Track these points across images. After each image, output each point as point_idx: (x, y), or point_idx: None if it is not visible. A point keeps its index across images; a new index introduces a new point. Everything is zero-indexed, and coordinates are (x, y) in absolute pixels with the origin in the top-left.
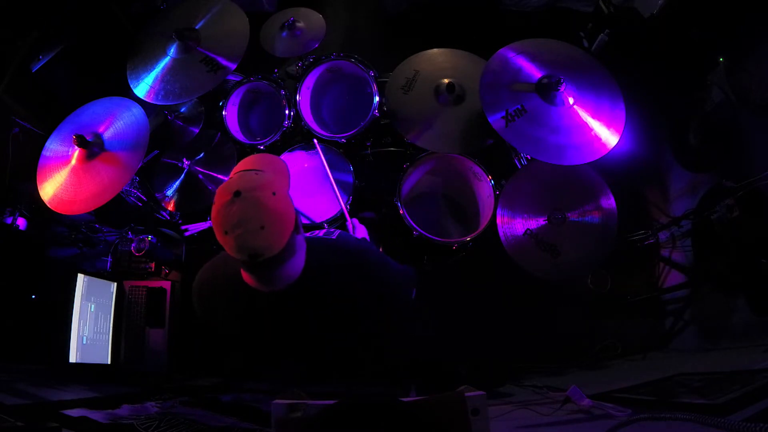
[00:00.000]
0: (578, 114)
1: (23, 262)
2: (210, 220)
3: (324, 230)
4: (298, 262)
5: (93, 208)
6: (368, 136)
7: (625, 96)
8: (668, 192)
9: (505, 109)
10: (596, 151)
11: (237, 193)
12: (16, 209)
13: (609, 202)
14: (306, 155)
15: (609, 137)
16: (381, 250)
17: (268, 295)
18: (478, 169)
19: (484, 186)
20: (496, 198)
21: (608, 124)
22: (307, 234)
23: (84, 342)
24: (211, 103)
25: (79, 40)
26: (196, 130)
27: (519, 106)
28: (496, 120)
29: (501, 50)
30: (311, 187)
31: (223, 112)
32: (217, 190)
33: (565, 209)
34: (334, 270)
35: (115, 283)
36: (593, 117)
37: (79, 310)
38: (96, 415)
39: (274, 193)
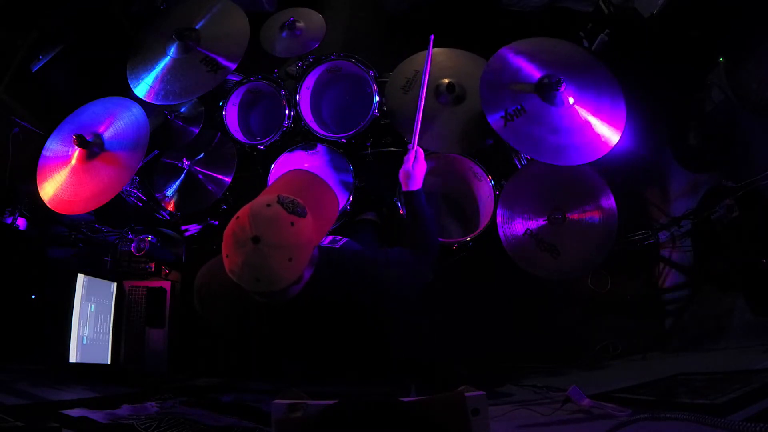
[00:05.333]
0: (578, 113)
1: (23, 262)
2: (210, 219)
3: (330, 237)
4: (304, 280)
5: (93, 208)
6: (368, 136)
7: (625, 96)
8: (668, 192)
9: (504, 109)
10: (598, 150)
11: (255, 239)
12: (16, 209)
13: (609, 202)
14: (306, 155)
15: (610, 135)
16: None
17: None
18: (478, 169)
19: (484, 186)
20: (496, 198)
21: (609, 122)
22: None
23: (84, 342)
24: (211, 103)
25: (78, 40)
26: (196, 130)
27: (518, 106)
28: (495, 120)
29: (501, 50)
30: None
31: (223, 112)
32: (248, 208)
33: (565, 209)
34: (338, 279)
35: (115, 283)
36: (594, 116)
37: (79, 310)
38: (96, 415)
39: (290, 259)
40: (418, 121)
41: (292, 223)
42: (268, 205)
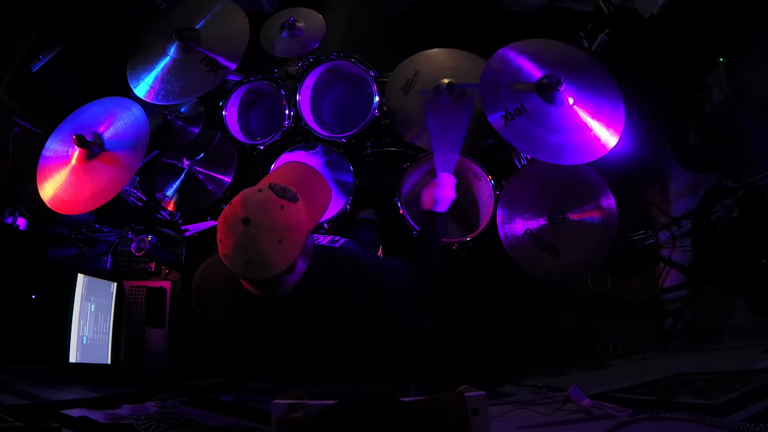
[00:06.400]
0: (578, 114)
1: (23, 262)
2: (210, 219)
3: (329, 237)
4: (299, 271)
5: (93, 208)
6: (368, 136)
7: (625, 96)
8: (668, 192)
9: (504, 108)
10: (595, 151)
11: (245, 221)
12: (16, 209)
13: (609, 202)
14: (306, 155)
15: (608, 138)
16: (381, 250)
17: (267, 298)
18: (478, 169)
19: (484, 186)
20: (496, 198)
21: (608, 125)
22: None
23: (84, 342)
24: (211, 103)
25: (78, 40)
26: (196, 130)
27: (518, 106)
28: (495, 119)
29: (501, 50)
30: None
31: (223, 112)
32: (240, 194)
33: (565, 209)
34: (337, 278)
35: (115, 283)
36: (593, 117)
37: (79, 310)
38: (96, 415)
39: (280, 241)
40: (458, 149)
41: (282, 206)
42: (260, 191)
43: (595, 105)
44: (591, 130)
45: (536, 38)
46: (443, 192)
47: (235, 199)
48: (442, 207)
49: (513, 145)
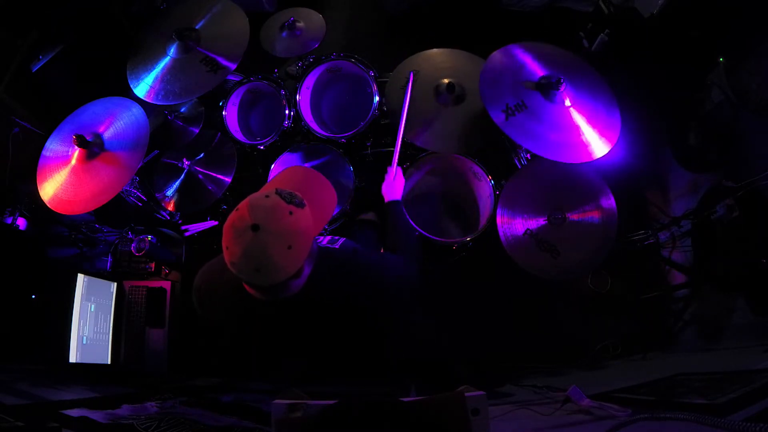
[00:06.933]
0: (571, 116)
1: (23, 262)
2: (210, 219)
3: (328, 237)
4: (305, 275)
5: (93, 208)
6: (368, 136)
7: (624, 97)
8: (668, 192)
9: (505, 104)
10: (580, 156)
11: (254, 228)
12: (16, 209)
13: (609, 202)
14: (306, 155)
15: (598, 146)
16: (382, 250)
17: (269, 300)
18: (478, 169)
19: (484, 186)
20: (496, 198)
21: (602, 134)
22: None
23: (84, 342)
24: (211, 103)
25: (78, 40)
26: (196, 130)
27: (519, 102)
28: (496, 114)
29: (503, 47)
30: None
31: (223, 112)
32: (247, 200)
33: (565, 209)
34: (338, 279)
35: (115, 283)
36: (588, 123)
37: (79, 310)
38: (96, 415)
39: (289, 247)
40: (397, 145)
41: (291, 212)
42: (267, 196)
43: (591, 112)
44: (582, 134)
45: (539, 42)
46: (398, 181)
47: (242, 205)
48: (397, 194)
49: (514, 140)
